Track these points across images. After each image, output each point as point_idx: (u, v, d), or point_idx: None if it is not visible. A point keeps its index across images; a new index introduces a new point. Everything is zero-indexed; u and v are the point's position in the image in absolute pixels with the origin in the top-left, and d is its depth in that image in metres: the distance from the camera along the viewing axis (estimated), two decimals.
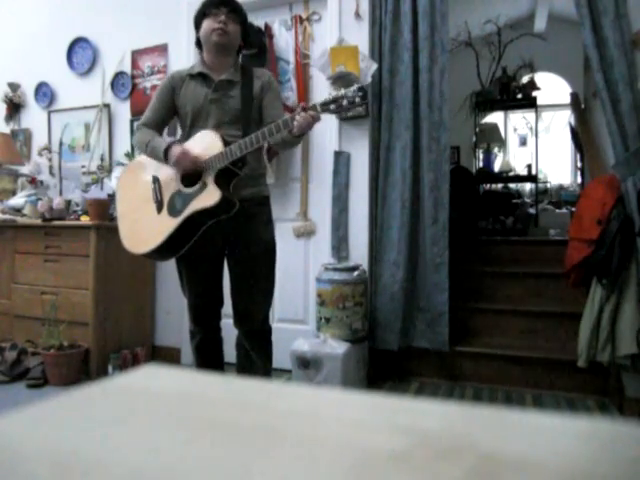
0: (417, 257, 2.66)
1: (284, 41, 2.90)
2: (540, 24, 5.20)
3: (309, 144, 2.88)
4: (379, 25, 2.69)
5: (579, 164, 5.00)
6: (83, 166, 3.31)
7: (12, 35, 3.77)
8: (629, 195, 2.12)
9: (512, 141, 6.12)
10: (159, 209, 1.83)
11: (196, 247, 1.81)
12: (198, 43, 1.94)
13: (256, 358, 1.94)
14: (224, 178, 1.73)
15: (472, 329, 2.90)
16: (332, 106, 1.64)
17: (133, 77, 3.29)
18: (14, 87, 3.68)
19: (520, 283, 3.12)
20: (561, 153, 6.17)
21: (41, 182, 3.42)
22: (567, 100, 4.74)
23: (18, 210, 3.06)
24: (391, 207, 2.65)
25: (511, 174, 5.00)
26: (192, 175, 1.77)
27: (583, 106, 4.27)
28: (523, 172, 4.98)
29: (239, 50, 1.97)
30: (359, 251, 2.69)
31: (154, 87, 3.22)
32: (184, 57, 3.05)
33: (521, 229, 4.34)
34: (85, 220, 2.80)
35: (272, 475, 0.23)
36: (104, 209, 2.80)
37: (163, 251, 1.83)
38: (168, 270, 3.04)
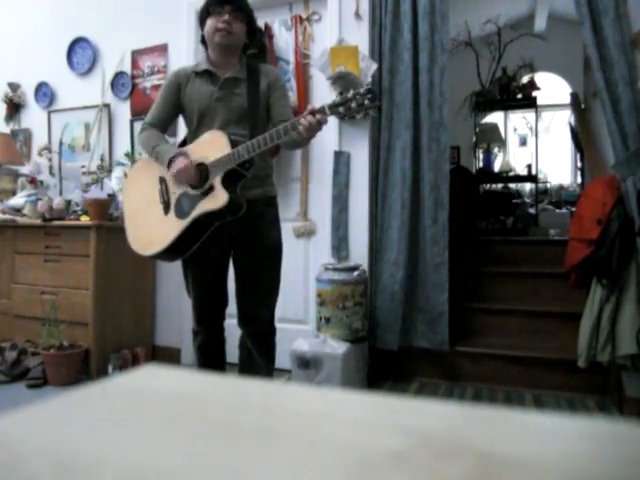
0: (417, 257, 2.66)
1: (284, 41, 2.90)
2: (540, 24, 5.20)
3: (309, 144, 2.87)
4: (379, 25, 2.69)
5: (579, 164, 5.00)
6: (83, 166, 3.31)
7: (12, 35, 3.77)
8: (629, 195, 2.12)
9: (512, 141, 6.12)
10: (166, 210, 1.82)
11: (202, 248, 1.80)
12: (203, 40, 1.91)
13: (259, 359, 1.93)
14: (231, 180, 1.71)
15: (472, 329, 2.90)
16: (341, 108, 1.59)
17: (133, 77, 3.29)
18: (14, 87, 3.69)
19: (520, 283, 3.12)
20: (561, 153, 6.17)
21: (41, 182, 3.42)
22: (567, 100, 4.74)
23: (18, 210, 3.06)
24: (391, 207, 2.65)
25: (511, 174, 5.00)
26: (199, 177, 1.75)
27: (583, 106, 4.27)
28: (523, 172, 4.99)
29: (246, 47, 1.93)
30: (359, 251, 2.69)
31: (154, 87, 3.22)
32: (184, 57, 3.05)
33: (521, 229, 4.34)
34: (85, 220, 2.80)
35: (272, 475, 0.23)
36: (104, 209, 2.80)
37: (170, 253, 1.83)
38: (168, 270, 3.04)
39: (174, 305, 3.02)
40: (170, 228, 1.78)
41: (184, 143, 1.92)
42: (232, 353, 2.03)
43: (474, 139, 5.09)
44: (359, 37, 2.69)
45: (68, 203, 2.95)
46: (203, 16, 1.85)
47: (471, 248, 3.52)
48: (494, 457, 0.24)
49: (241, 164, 1.69)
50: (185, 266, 1.93)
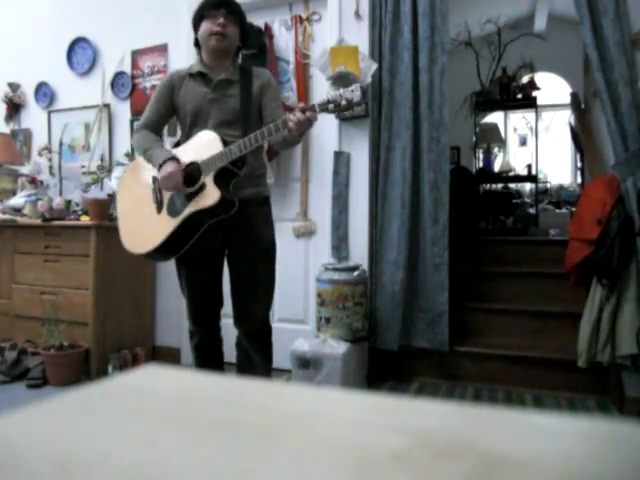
0: (417, 257, 2.65)
1: (284, 41, 2.90)
2: (540, 24, 5.20)
3: (309, 144, 2.88)
4: (379, 25, 2.69)
5: (579, 164, 5.00)
6: (83, 166, 3.31)
7: (12, 35, 3.77)
8: (629, 195, 2.12)
9: (512, 141, 6.12)
10: (159, 209, 1.83)
11: (196, 247, 1.80)
12: (197, 43, 1.93)
13: (256, 358, 1.94)
14: (223, 178, 1.72)
15: (472, 329, 2.90)
16: (330, 106, 1.63)
17: (133, 77, 3.29)
18: (14, 87, 3.69)
19: (520, 283, 3.12)
20: (561, 153, 6.17)
21: (41, 182, 3.42)
22: (567, 100, 4.73)
23: (18, 210, 3.06)
24: (391, 207, 2.65)
25: (511, 174, 5.00)
26: (192, 175, 1.76)
27: (583, 106, 4.27)
28: (523, 172, 4.98)
29: (238, 50, 1.96)
30: (359, 251, 2.69)
31: (154, 87, 3.22)
32: (184, 57, 3.05)
33: (521, 229, 4.34)
34: (85, 220, 2.80)
35: (272, 475, 0.23)
36: (104, 209, 2.80)
37: (163, 251, 1.83)
38: (168, 270, 3.04)
39: (174, 305, 3.02)
40: (162, 226, 1.79)
41: (178, 144, 1.94)
42: (229, 353, 2.03)
43: (474, 139, 5.09)
44: (359, 37, 2.69)
45: (68, 203, 2.96)
46: (197, 19, 1.87)
47: (471, 248, 3.52)
48: (494, 457, 0.24)
49: (233, 162, 1.70)
50: (179, 266, 1.94)
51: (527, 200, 5.10)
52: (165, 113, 1.94)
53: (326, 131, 2.76)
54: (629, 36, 2.17)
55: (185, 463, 0.24)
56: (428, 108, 2.58)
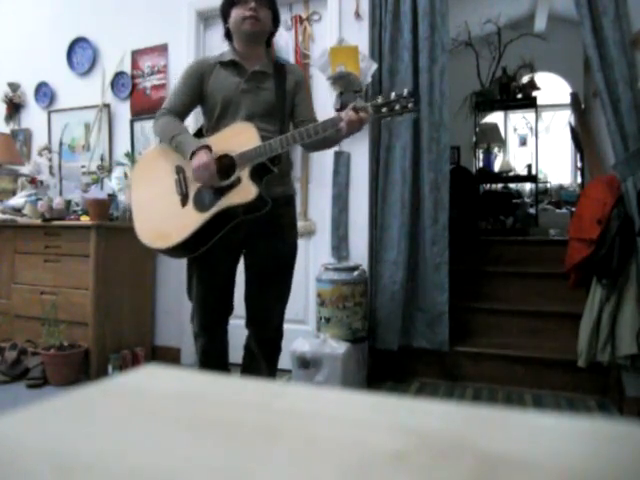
0: (417, 257, 2.66)
1: (284, 41, 2.90)
2: (540, 24, 5.20)
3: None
4: (379, 25, 2.69)
5: (579, 164, 5.00)
6: (83, 166, 3.31)
7: (12, 35, 3.77)
8: (629, 195, 2.12)
9: (512, 141, 6.12)
10: (184, 202, 1.72)
11: (213, 249, 1.72)
12: (227, 34, 1.84)
13: (262, 362, 1.89)
14: (258, 174, 1.65)
15: (472, 329, 2.90)
16: (384, 109, 1.56)
17: (133, 77, 3.29)
18: (14, 87, 3.68)
19: (520, 283, 3.12)
20: (561, 153, 6.18)
21: (41, 182, 3.42)
22: (567, 100, 4.74)
23: (18, 210, 3.06)
24: (391, 207, 2.65)
25: (511, 174, 5.00)
26: (224, 168, 1.67)
27: (583, 106, 4.27)
28: (523, 172, 4.99)
29: (269, 39, 1.89)
30: (359, 251, 2.69)
31: (154, 87, 3.22)
32: (184, 57, 3.05)
33: (521, 229, 4.34)
34: (85, 220, 2.80)
35: (272, 475, 0.23)
36: (104, 209, 2.80)
37: (185, 248, 1.72)
38: (168, 270, 3.05)
39: (174, 305, 3.02)
40: (188, 221, 1.68)
41: (199, 133, 1.85)
42: (234, 353, 2.00)
43: (474, 139, 5.09)
44: (359, 37, 2.69)
45: (68, 203, 2.96)
46: (226, 9, 1.79)
47: (471, 248, 3.52)
48: (494, 457, 0.24)
49: (271, 159, 1.64)
50: (191, 265, 1.84)
51: (527, 200, 5.10)
52: (193, 100, 1.83)
53: None
54: (629, 36, 2.17)
55: (185, 463, 0.24)
56: (428, 108, 2.58)
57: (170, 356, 3.05)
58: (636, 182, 2.11)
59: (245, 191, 1.63)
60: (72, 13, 3.53)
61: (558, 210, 4.92)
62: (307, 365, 2.26)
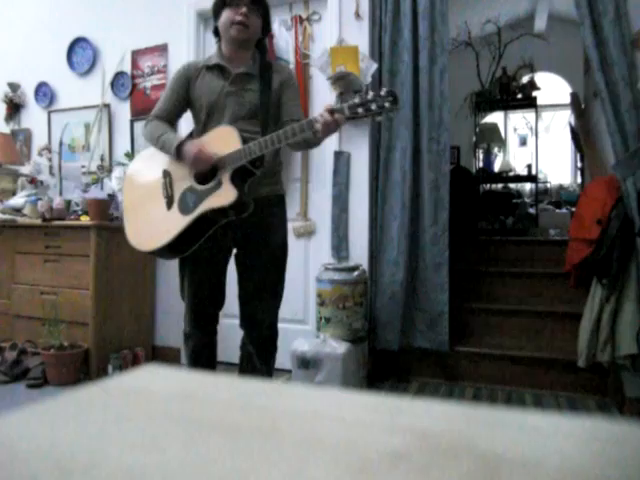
0: (417, 257, 2.65)
1: (284, 41, 2.90)
2: (540, 24, 5.20)
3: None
4: (379, 25, 2.69)
5: (579, 164, 5.01)
6: (83, 166, 3.31)
7: (12, 35, 3.77)
8: (629, 195, 2.12)
9: (512, 141, 6.12)
10: (169, 205, 1.76)
11: (203, 248, 1.75)
12: (216, 32, 1.85)
13: (259, 362, 1.90)
14: (240, 177, 1.66)
15: (472, 329, 2.90)
16: (360, 109, 1.55)
17: (133, 77, 3.29)
18: (14, 87, 3.68)
19: (520, 283, 3.12)
20: (561, 153, 6.18)
21: (41, 182, 3.42)
22: (567, 100, 4.74)
23: (18, 210, 3.06)
24: (391, 207, 2.65)
25: (511, 174, 5.00)
26: (205, 171, 1.70)
27: (583, 106, 4.27)
28: (523, 172, 4.99)
29: (259, 42, 1.89)
30: (359, 251, 2.69)
31: (154, 87, 3.22)
32: (184, 57, 3.04)
33: (521, 229, 4.34)
34: (85, 220, 2.80)
35: (272, 475, 0.23)
36: (104, 209, 2.80)
37: (171, 249, 1.76)
38: (168, 270, 3.04)
39: (174, 305, 3.01)
40: (173, 224, 1.72)
41: (191, 136, 1.87)
42: (232, 353, 2.00)
43: (474, 139, 5.09)
44: (359, 37, 2.69)
45: (68, 203, 2.96)
46: (218, 7, 1.79)
47: (471, 248, 3.52)
48: (494, 457, 0.24)
49: (252, 161, 1.65)
50: (182, 265, 1.88)
51: (527, 200, 5.10)
52: (180, 105, 1.85)
53: None
54: (629, 36, 2.17)
55: (185, 463, 0.24)
56: (428, 108, 2.58)
57: (170, 356, 3.05)
58: (636, 182, 2.11)
59: (225, 194, 1.65)
60: (72, 13, 3.53)
61: (558, 210, 4.92)
62: (307, 365, 2.26)
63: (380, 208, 2.68)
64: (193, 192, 1.72)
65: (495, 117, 5.68)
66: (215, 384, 0.36)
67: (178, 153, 1.72)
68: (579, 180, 5.15)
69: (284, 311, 2.87)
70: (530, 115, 5.21)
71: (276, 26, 2.91)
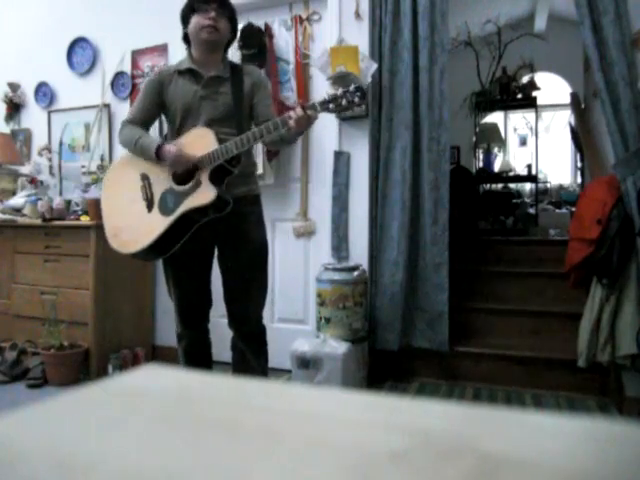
0: (417, 257, 2.65)
1: (284, 41, 2.90)
2: (540, 24, 5.20)
3: (309, 144, 2.88)
4: (379, 25, 2.69)
5: (579, 164, 5.00)
6: (83, 166, 3.31)
7: (12, 35, 3.76)
8: (629, 195, 2.12)
9: (512, 141, 6.12)
10: (149, 207, 1.81)
11: (184, 247, 1.78)
12: (185, 38, 1.90)
13: (252, 359, 1.93)
14: (218, 176, 1.71)
15: (472, 329, 2.90)
16: (331, 105, 1.63)
17: (133, 77, 3.29)
18: (14, 87, 3.68)
19: (520, 283, 3.12)
20: (561, 153, 6.17)
21: (41, 182, 3.42)
22: (567, 100, 4.74)
23: (18, 210, 3.06)
24: (391, 207, 2.65)
25: (511, 174, 5.00)
26: (183, 172, 1.74)
27: (583, 106, 4.27)
28: (523, 172, 4.98)
29: (227, 45, 1.94)
30: (359, 251, 2.69)
31: None
32: None
33: (521, 229, 4.34)
34: (85, 220, 2.80)
35: (272, 475, 0.23)
36: None
37: (153, 250, 1.81)
38: None
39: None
40: (155, 225, 1.76)
41: (165, 139, 1.92)
42: (225, 353, 2.01)
43: (474, 139, 5.09)
44: (359, 37, 2.69)
45: (68, 203, 2.96)
46: (186, 14, 1.84)
47: (471, 248, 3.52)
48: (494, 457, 0.24)
49: (229, 160, 1.70)
50: (166, 267, 1.91)
51: (527, 200, 5.10)
52: (153, 110, 1.90)
53: (326, 131, 2.76)
54: (629, 36, 2.17)
55: (185, 463, 0.24)
56: (428, 108, 2.58)
57: (170, 356, 3.05)
58: (636, 182, 2.11)
59: (205, 193, 1.70)
60: (72, 13, 3.53)
61: (558, 210, 4.92)
62: (307, 365, 2.27)
63: (380, 208, 2.68)
64: (173, 193, 1.76)
65: (495, 117, 5.68)
66: (215, 384, 0.36)
67: (158, 155, 1.75)
68: (579, 180, 5.15)
69: (284, 311, 2.90)
70: (530, 115, 5.20)
71: (276, 26, 2.92)
